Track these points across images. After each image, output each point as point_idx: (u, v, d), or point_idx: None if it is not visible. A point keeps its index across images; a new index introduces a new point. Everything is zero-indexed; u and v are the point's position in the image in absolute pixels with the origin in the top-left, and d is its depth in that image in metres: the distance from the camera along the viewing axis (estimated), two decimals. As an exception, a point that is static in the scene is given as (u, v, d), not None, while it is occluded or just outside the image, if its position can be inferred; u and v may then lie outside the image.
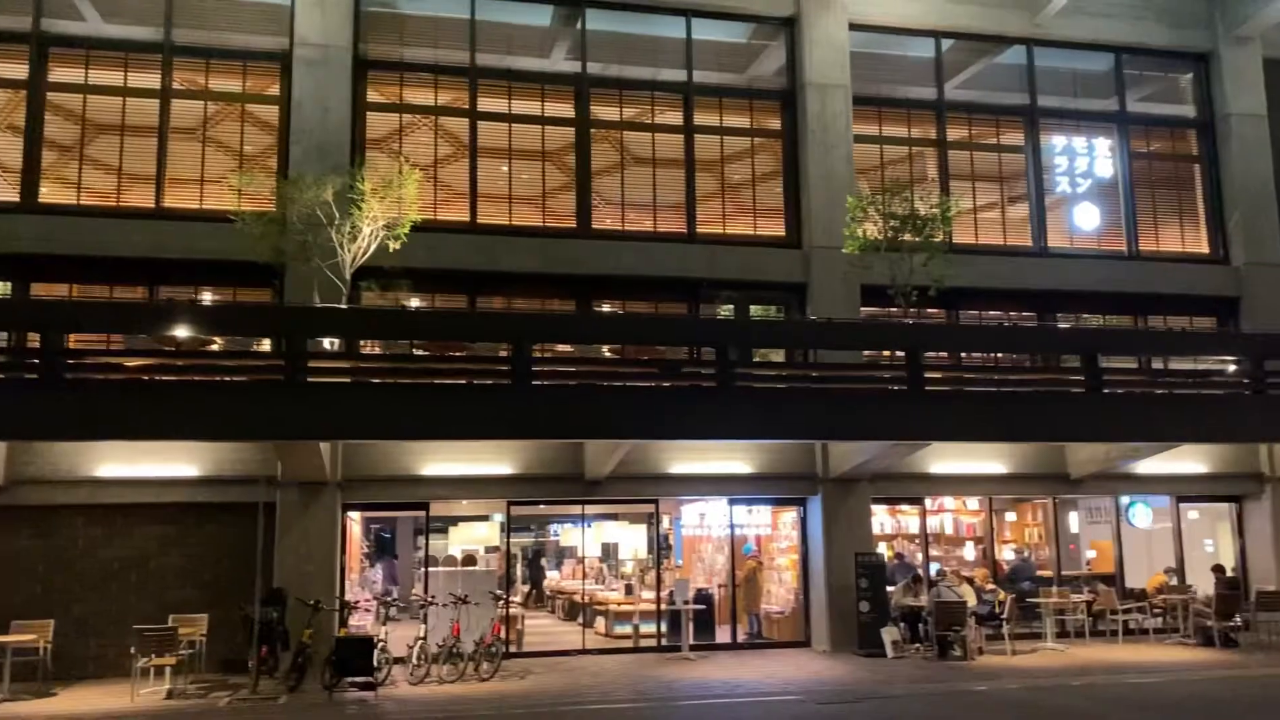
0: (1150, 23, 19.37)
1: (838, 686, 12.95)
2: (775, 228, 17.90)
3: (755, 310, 17.88)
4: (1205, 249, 19.35)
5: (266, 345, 14.87)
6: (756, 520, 17.61)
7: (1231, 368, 16.88)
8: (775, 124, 18.22)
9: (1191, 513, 18.68)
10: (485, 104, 17.04)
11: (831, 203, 17.05)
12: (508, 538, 16.70)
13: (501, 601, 15.07)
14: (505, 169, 17.23)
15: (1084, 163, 19.05)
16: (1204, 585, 17.21)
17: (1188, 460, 17.44)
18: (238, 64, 16.51)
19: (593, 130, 17.40)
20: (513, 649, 15.61)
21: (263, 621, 13.05)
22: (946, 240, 17.05)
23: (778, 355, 16.91)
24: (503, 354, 14.12)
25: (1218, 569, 17.14)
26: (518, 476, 15.67)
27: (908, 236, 15.56)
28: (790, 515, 17.18)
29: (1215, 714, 11.34)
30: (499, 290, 16.85)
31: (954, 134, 18.90)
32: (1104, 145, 19.21)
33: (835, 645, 15.89)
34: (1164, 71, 20.02)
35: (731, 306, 17.48)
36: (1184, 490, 18.11)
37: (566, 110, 17.42)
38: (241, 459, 14.67)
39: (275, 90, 16.42)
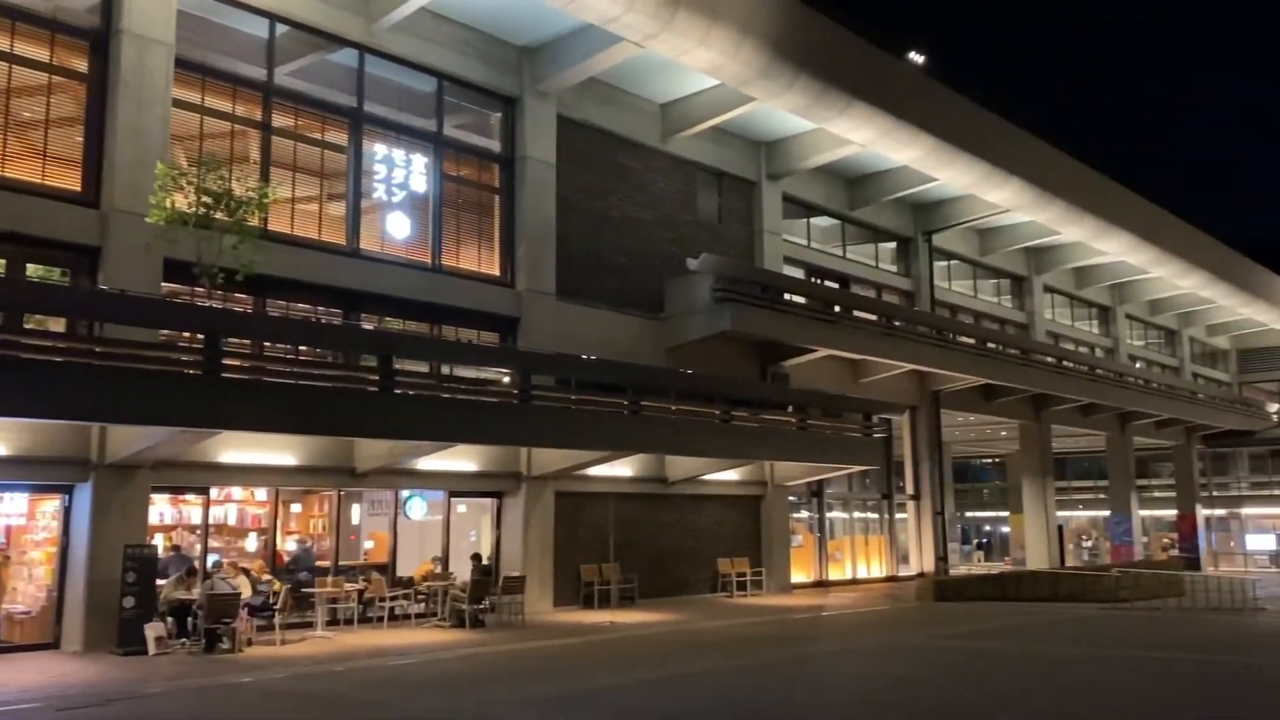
0: (473, 59, 21.19)
1: (86, 689, 11.85)
2: (70, 180, 15.96)
3: (35, 270, 15.73)
4: (497, 271, 21.63)
5: None
6: (9, 509, 15.41)
7: (506, 378, 19.15)
8: (82, 65, 16.28)
9: (461, 506, 20.70)
10: None
11: (139, 164, 15.73)
12: None
13: None
14: None
15: (401, 174, 20.11)
16: (464, 572, 19.16)
17: (462, 459, 19.31)
18: None
19: None
20: None
21: None
22: (261, 226, 16.78)
23: (57, 324, 15.04)
24: None
25: (475, 557, 19.20)
26: None
27: (220, 216, 14.99)
28: (53, 504, 15.34)
29: (453, 686, 12.65)
30: None
31: (280, 121, 18.67)
32: (421, 162, 20.49)
33: (90, 645, 14.54)
34: (479, 106, 22.03)
35: (2, 262, 15.15)
36: (456, 486, 20.01)
37: None
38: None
39: None
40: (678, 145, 25.34)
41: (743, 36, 20.89)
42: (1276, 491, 47.43)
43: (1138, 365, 44.24)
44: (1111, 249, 36.60)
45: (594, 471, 21.30)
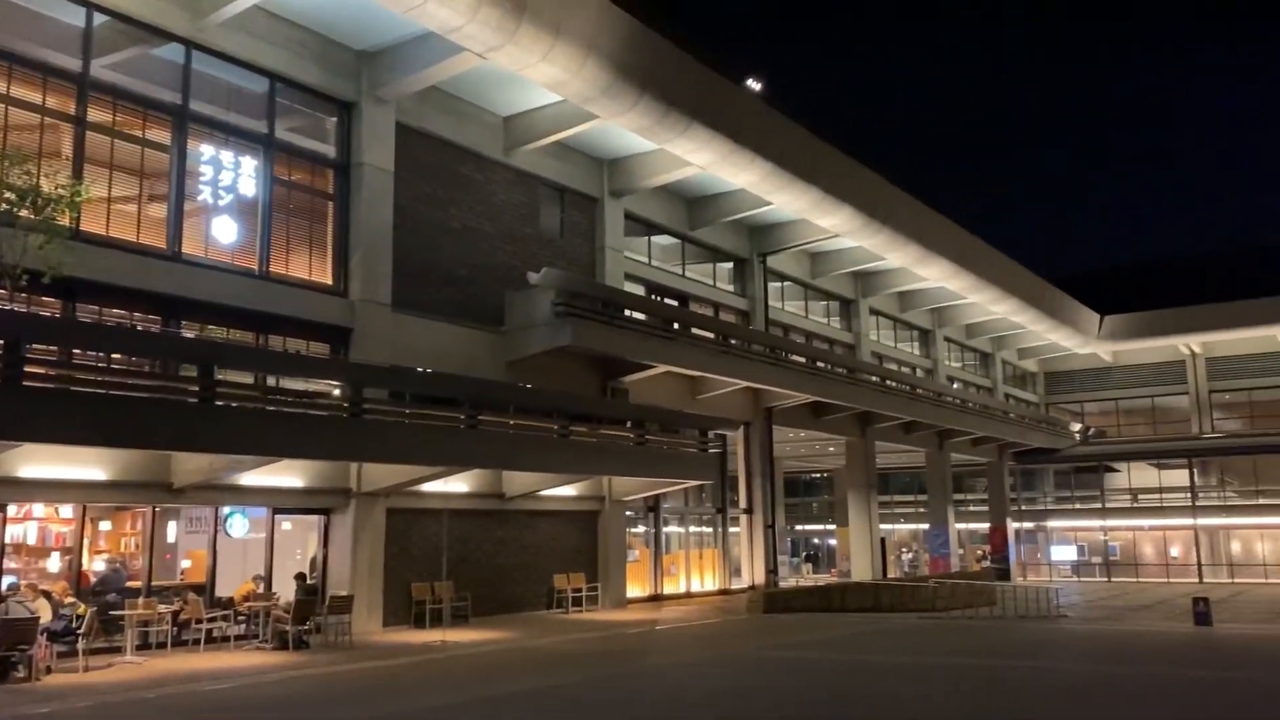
0: (308, 61, 20.55)
1: None
2: None
3: None
4: (329, 280, 20.99)
5: None
6: None
7: (337, 391, 18.58)
8: None
9: (285, 524, 19.92)
10: None
11: (-68, 156, 14.53)
12: None
13: None
14: None
15: (229, 177, 19.28)
16: (288, 593, 18.43)
17: (288, 474, 18.60)
18: None
19: None
20: None
21: None
22: (72, 226, 15.81)
23: None
24: None
25: (299, 576, 18.52)
26: None
27: (25, 213, 14.02)
28: None
29: (267, 710, 12.14)
30: None
31: (97, 115, 17.60)
32: (250, 164, 19.71)
33: None
34: (313, 109, 21.37)
35: None
36: (281, 502, 19.23)
37: None
38: None
39: None
40: (521, 158, 25.27)
41: (586, 55, 21.04)
42: (1078, 505, 50.87)
43: (955, 385, 46.71)
44: (932, 275, 38.59)
45: (428, 487, 20.91)
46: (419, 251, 22.55)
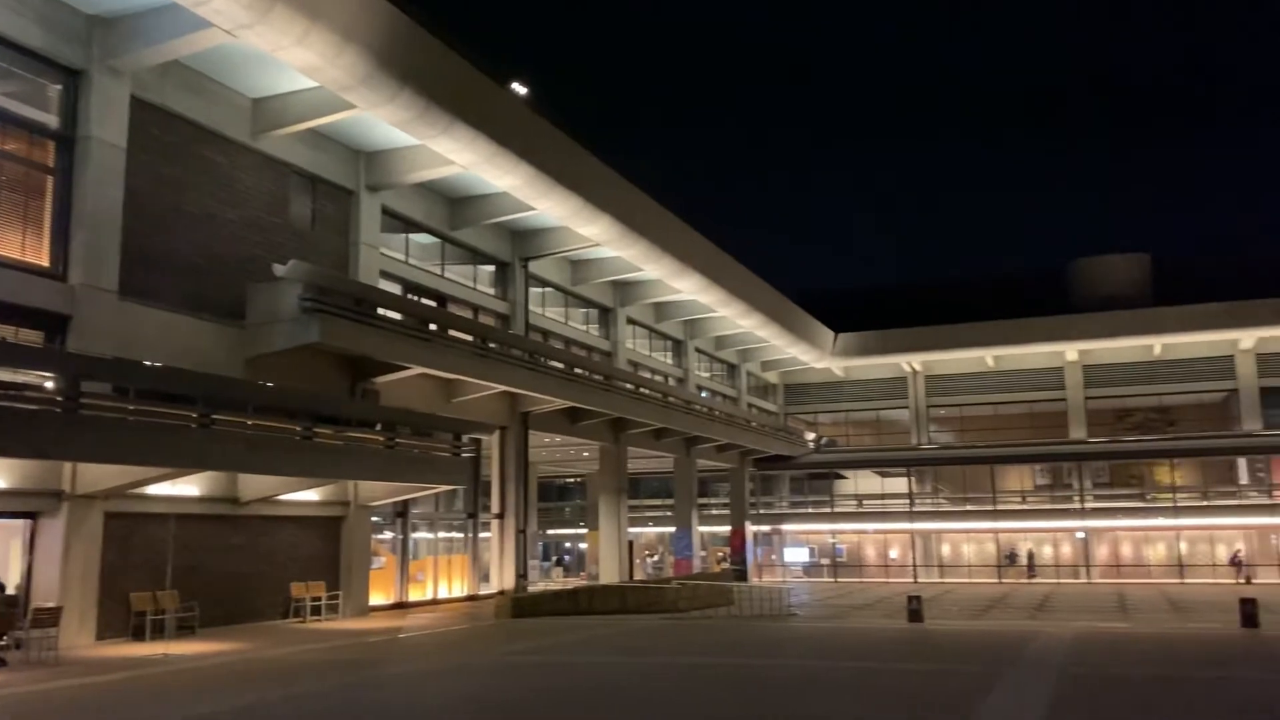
0: (29, 21, 18.68)
1: None
2: None
3: None
4: (45, 262, 19.13)
5: None
6: None
7: (50, 384, 16.92)
8: None
9: (-17, 529, 17.96)
10: None
11: None
12: None
13: None
14: None
15: (-73, 140, 17.21)
16: (-17, 604, 16.60)
17: (-13, 474, 16.78)
18: None
19: None
20: None
21: None
22: None
23: None
24: None
25: (-2, 587, 16.73)
26: None
27: None
28: None
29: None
30: None
31: None
32: (-46, 128, 17.66)
33: None
34: (35, 74, 19.42)
35: None
36: (-22, 505, 17.32)
37: None
38: None
39: None
40: (271, 144, 24.04)
41: (345, 42, 20.30)
42: (811, 510, 54.06)
43: (704, 395, 48.55)
44: (686, 288, 39.95)
45: (154, 490, 19.47)
46: (152, 236, 20.97)
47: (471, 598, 30.30)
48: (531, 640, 20.36)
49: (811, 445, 55.85)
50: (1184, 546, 46.96)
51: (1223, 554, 46.27)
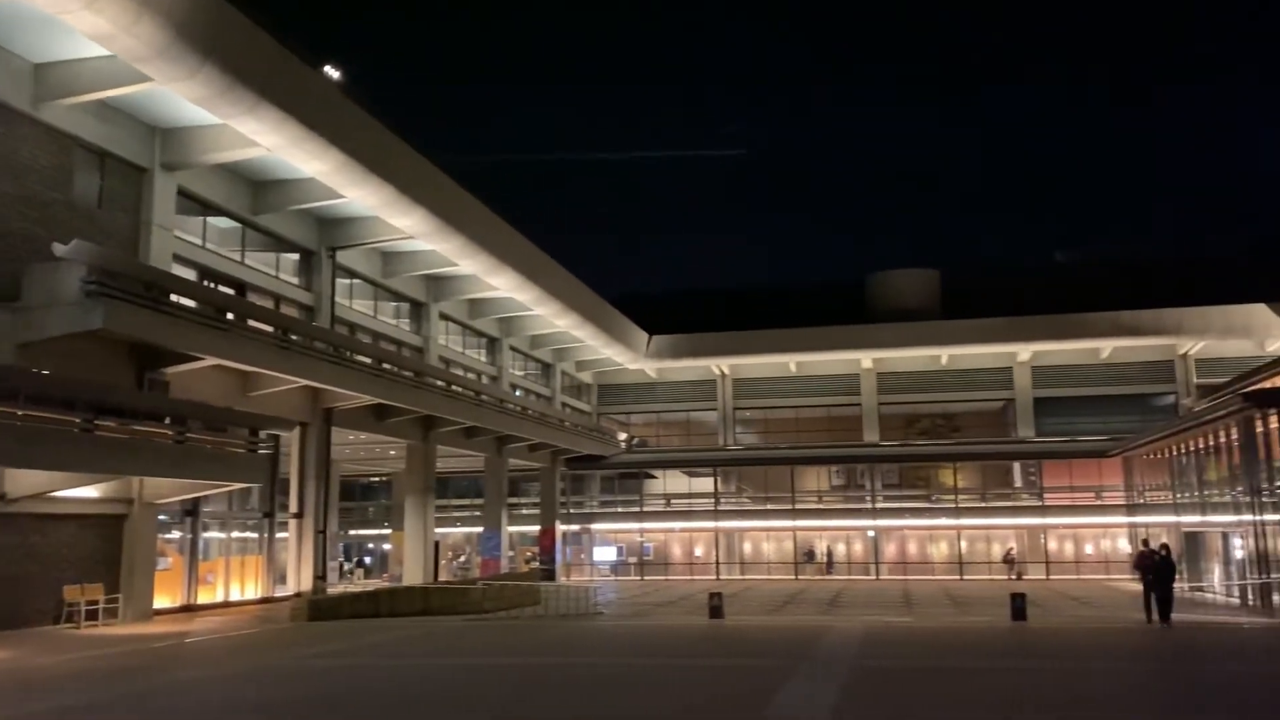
0: None
1: None
2: None
3: None
4: None
5: None
6: None
7: None
8: None
9: None
10: None
11: None
12: None
13: None
14: None
15: None
16: None
17: None
18: None
19: None
20: None
21: None
22: None
23: None
24: None
25: None
26: None
27: None
28: None
29: None
30: None
31: None
32: None
33: None
34: None
35: None
36: None
37: None
38: None
39: None
40: (53, 113, 22.29)
41: (141, 9, 19.06)
42: (620, 509, 54.69)
43: (518, 393, 48.30)
44: (502, 285, 39.64)
45: (-97, 485, 17.66)
46: (-90, 206, 19.04)
47: (266, 600, 29.02)
48: (329, 644, 19.67)
49: (623, 445, 56.53)
50: (964, 545, 50.21)
51: (998, 552, 49.74)
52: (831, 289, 62.62)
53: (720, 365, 58.53)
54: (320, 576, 30.15)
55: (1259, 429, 30.35)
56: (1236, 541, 32.89)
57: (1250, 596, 30.69)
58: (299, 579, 29.93)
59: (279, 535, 30.25)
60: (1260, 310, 50.17)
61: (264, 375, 26.36)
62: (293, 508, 30.40)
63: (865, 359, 56.58)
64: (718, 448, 58.14)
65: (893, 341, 54.95)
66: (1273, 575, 29.04)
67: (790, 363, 57.47)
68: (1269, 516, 29.42)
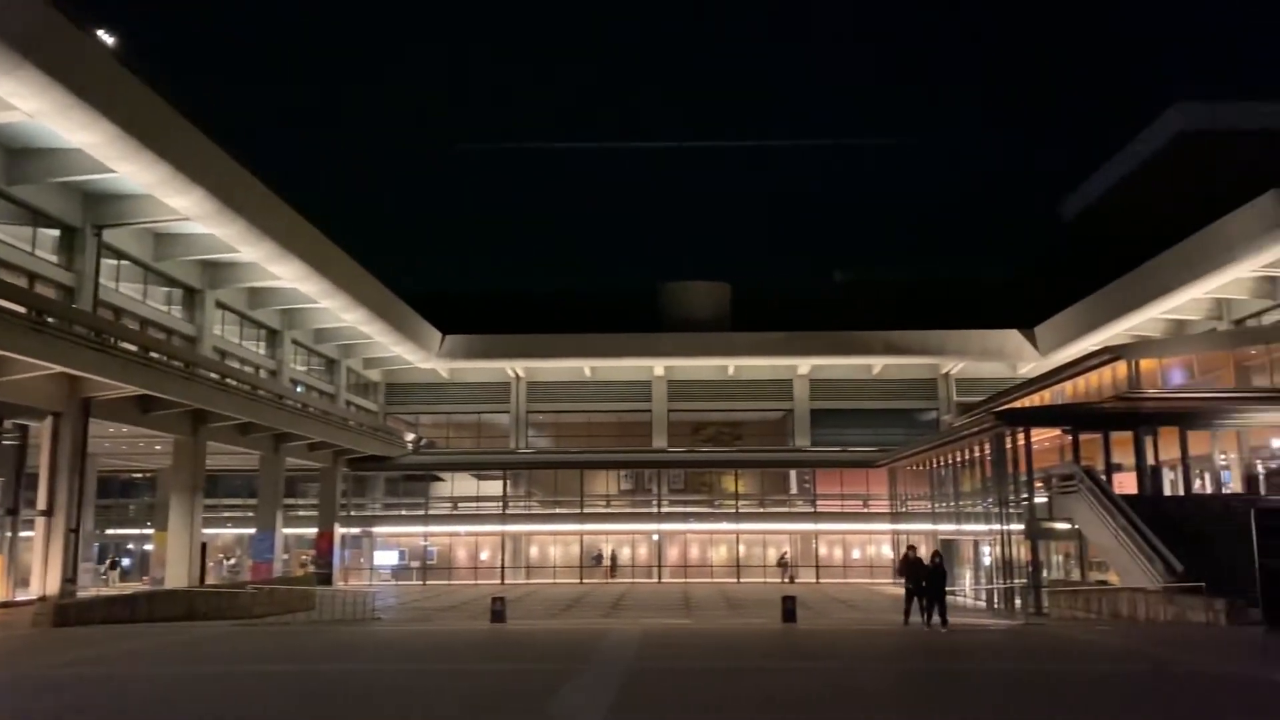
0: None
1: None
2: None
3: None
4: None
5: None
6: None
7: None
8: None
9: None
10: None
11: None
12: None
13: None
14: None
15: None
16: None
17: None
18: None
19: None
20: None
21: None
22: None
23: None
24: None
25: None
26: None
27: None
28: None
29: None
30: None
31: None
32: None
33: None
34: None
35: None
36: None
37: None
38: None
39: None
40: None
41: (-121, -54, 17.08)
42: (404, 512, 53.42)
43: (299, 389, 46.32)
44: (286, 274, 37.95)
45: None
46: None
47: (6, 605, 26.50)
48: (76, 651, 18.18)
49: (410, 446, 55.23)
50: (742, 549, 52.01)
51: (774, 556, 51.82)
52: (628, 296, 63.61)
53: (515, 368, 58.26)
54: (70, 579, 27.78)
55: (1008, 445, 33.02)
56: (986, 549, 35.65)
57: (996, 600, 33.32)
58: (45, 581, 27.46)
59: (24, 534, 27.69)
60: (1013, 335, 54.70)
61: (13, 360, 24.04)
62: (41, 504, 27.89)
63: (658, 366, 57.76)
64: (509, 450, 57.80)
65: (683, 350, 56.39)
66: (1015, 580, 31.65)
67: (585, 367, 57.90)
68: (1014, 526, 32.05)
